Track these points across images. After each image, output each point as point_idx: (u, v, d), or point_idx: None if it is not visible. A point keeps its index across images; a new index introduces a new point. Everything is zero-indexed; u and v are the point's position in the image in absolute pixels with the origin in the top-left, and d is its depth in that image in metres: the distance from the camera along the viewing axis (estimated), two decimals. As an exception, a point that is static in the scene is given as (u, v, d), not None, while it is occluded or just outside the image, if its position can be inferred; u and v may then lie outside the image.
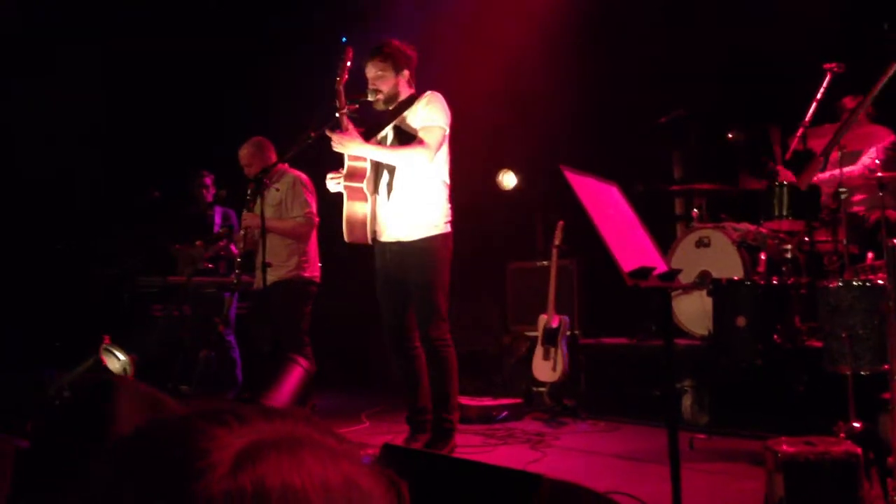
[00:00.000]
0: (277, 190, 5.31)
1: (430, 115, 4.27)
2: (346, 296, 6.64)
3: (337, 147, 4.23)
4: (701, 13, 6.25)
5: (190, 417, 0.65)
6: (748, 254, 5.35)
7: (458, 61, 6.47)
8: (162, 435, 0.64)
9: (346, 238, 4.41)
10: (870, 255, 4.75)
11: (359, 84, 4.39)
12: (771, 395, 4.76)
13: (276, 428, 0.64)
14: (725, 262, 5.37)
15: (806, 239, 5.11)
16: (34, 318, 6.42)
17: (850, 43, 5.55)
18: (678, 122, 6.08)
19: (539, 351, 5.81)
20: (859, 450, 2.90)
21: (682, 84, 6.28)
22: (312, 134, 4.36)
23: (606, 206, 2.91)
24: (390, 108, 4.41)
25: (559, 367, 5.66)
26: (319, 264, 5.48)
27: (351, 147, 4.23)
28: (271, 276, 4.87)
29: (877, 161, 5.26)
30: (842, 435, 3.37)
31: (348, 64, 4.30)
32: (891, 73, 2.25)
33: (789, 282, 4.81)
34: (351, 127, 4.25)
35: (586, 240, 3.52)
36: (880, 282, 3.58)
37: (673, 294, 5.31)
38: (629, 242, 2.85)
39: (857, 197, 5.39)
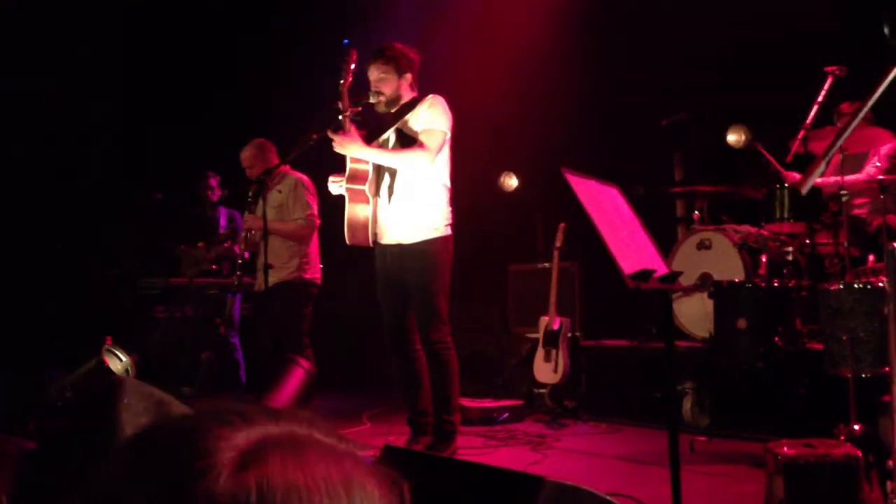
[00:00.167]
0: (279, 192, 5.31)
1: (432, 118, 4.27)
2: (346, 297, 6.65)
3: (338, 148, 4.22)
4: (703, 15, 6.24)
5: (194, 417, 0.66)
6: (749, 256, 5.35)
7: (459, 63, 6.47)
8: (167, 434, 0.64)
9: (347, 241, 4.41)
10: (871, 257, 4.76)
11: (361, 86, 4.40)
12: (771, 397, 4.75)
13: (281, 428, 0.64)
14: (726, 265, 5.36)
15: (807, 241, 5.11)
16: (35, 319, 6.42)
17: (851, 46, 5.54)
18: (679, 125, 6.08)
19: (540, 353, 5.81)
20: (859, 452, 2.91)
21: (683, 86, 6.28)
22: (314, 136, 4.36)
23: (607, 208, 2.91)
24: (392, 110, 4.40)
25: (560, 369, 5.66)
26: (320, 266, 5.49)
27: (352, 149, 4.22)
28: (272, 278, 4.88)
29: (878, 165, 5.25)
30: (842, 437, 3.37)
31: (352, 66, 4.28)
32: (890, 77, 2.25)
33: (790, 284, 4.80)
34: (353, 129, 4.23)
35: (587, 242, 3.52)
36: (881, 284, 3.59)
37: (674, 296, 5.33)
38: (630, 244, 2.85)
39: (859, 200, 5.38)
